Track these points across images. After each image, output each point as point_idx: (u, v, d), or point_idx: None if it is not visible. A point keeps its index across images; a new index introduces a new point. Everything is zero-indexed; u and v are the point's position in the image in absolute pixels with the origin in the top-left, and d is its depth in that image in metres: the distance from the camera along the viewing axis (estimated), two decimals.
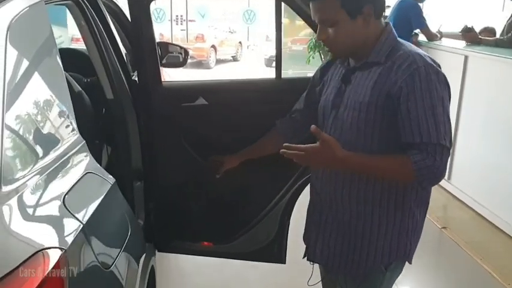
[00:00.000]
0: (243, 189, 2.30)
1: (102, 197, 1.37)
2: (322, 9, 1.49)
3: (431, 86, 1.43)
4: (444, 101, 1.45)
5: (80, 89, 2.19)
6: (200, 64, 14.26)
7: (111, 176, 1.54)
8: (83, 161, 1.40)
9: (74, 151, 1.36)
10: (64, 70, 2.60)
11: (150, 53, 2.15)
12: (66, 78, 2.14)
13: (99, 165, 1.51)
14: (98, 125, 2.31)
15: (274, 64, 2.34)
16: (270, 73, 12.28)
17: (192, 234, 2.41)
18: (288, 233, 2.36)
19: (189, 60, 2.69)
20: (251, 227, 2.35)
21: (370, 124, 1.51)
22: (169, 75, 2.62)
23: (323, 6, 1.49)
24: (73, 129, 1.41)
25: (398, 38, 1.57)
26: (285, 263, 2.41)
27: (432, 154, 1.40)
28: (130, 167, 2.22)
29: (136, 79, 2.26)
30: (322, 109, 1.68)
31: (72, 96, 2.13)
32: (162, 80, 2.25)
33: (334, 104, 1.62)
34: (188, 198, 2.36)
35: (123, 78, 2.19)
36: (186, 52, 2.63)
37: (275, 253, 2.38)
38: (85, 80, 2.58)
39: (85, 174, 1.37)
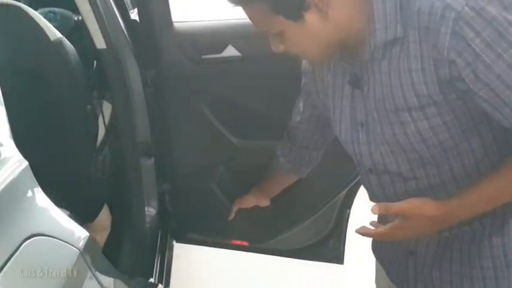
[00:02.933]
0: None
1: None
2: (253, 19, 1.01)
3: (499, 25, 0.85)
4: None
5: (59, 35, 1.58)
6: None
7: (82, 231, 0.84)
8: (21, 213, 0.69)
9: None
10: (52, 6, 2.01)
11: None
12: (38, 24, 1.55)
13: (58, 210, 0.79)
14: (88, 84, 1.71)
15: None
16: None
17: (219, 229, 1.87)
18: (347, 226, 1.83)
19: None
20: (300, 222, 1.83)
21: (440, 130, 0.98)
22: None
23: (252, 16, 1.00)
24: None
25: None
26: (342, 263, 1.89)
27: None
28: (135, 140, 1.68)
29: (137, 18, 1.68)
30: (343, 134, 1.14)
31: (44, 48, 1.57)
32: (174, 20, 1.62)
33: (355, 121, 1.10)
34: (215, 181, 1.84)
35: (119, 19, 1.62)
36: None
37: (330, 251, 1.88)
38: (76, 18, 1.98)
39: (26, 241, 0.66)
